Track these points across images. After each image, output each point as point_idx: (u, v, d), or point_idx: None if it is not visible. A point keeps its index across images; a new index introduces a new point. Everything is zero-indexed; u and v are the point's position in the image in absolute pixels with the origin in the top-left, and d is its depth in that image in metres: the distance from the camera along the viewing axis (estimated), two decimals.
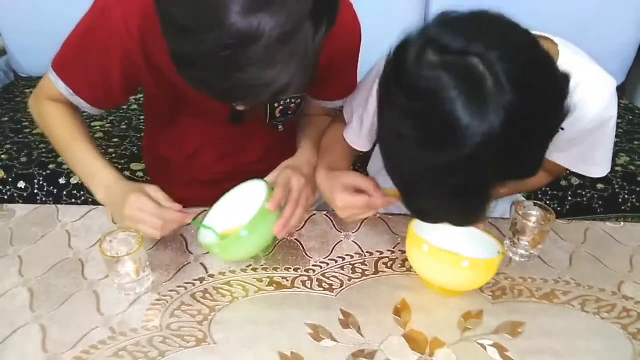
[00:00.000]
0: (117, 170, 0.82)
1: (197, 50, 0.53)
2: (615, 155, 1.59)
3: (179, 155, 0.91)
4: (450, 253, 0.68)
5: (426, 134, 0.51)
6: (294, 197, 0.76)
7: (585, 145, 0.80)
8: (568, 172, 1.48)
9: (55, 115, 0.86)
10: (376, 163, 1.18)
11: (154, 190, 0.76)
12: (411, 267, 0.79)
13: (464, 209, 0.58)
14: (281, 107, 0.89)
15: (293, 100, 0.89)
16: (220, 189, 0.82)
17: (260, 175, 1.04)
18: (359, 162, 1.58)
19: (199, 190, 1.05)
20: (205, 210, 0.84)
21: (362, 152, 0.92)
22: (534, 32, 0.54)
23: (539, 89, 0.50)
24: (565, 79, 0.53)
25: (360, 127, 0.88)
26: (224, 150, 0.99)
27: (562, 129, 0.74)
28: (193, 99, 0.84)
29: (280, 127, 0.97)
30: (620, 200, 1.49)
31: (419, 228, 0.74)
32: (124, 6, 0.73)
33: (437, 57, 0.50)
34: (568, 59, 0.70)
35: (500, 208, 1.05)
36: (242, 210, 0.79)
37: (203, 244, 0.76)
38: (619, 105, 0.78)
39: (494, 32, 0.51)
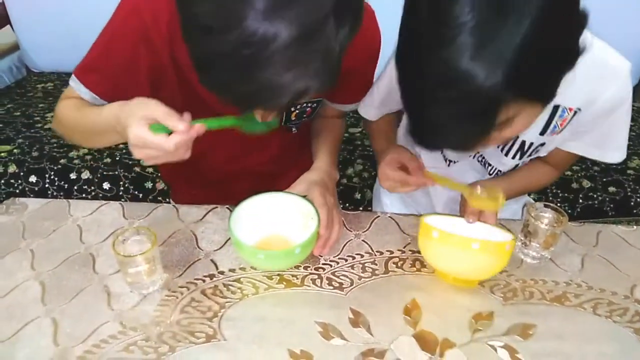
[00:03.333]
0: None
1: (218, 50, 0.53)
2: (627, 158, 1.57)
3: (191, 154, 0.91)
4: (460, 236, 0.69)
5: (446, 30, 0.50)
6: (333, 237, 0.79)
7: (599, 131, 0.80)
8: (578, 175, 1.49)
9: (67, 104, 0.84)
10: None
11: (153, 108, 0.65)
12: (421, 267, 0.79)
13: (472, 124, 0.55)
14: (297, 111, 0.89)
15: (309, 104, 0.89)
16: (230, 189, 0.83)
17: (271, 176, 1.04)
18: (369, 162, 1.58)
19: (208, 189, 1.05)
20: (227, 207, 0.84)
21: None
22: None
23: (565, 2, 0.50)
24: (583, 13, 0.52)
25: (372, 100, 0.93)
26: (235, 151, 0.99)
27: (579, 109, 0.74)
28: (210, 105, 0.84)
29: (293, 129, 0.97)
30: (632, 203, 1.48)
31: (430, 221, 0.75)
32: (153, 6, 0.73)
33: None
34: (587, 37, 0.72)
35: (511, 209, 1.05)
36: (273, 219, 0.81)
37: (241, 243, 0.72)
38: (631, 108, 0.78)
39: None
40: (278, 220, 0.81)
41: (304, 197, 0.81)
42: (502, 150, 0.86)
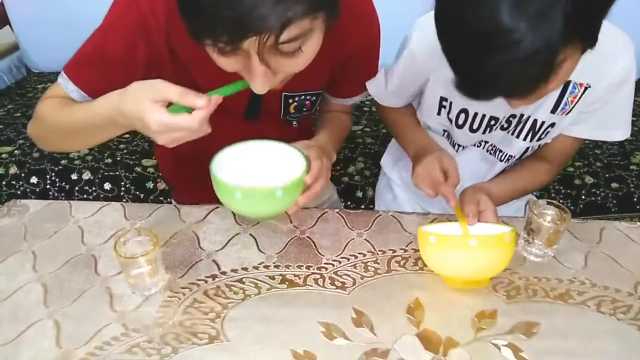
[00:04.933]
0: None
1: None
2: (630, 153, 1.57)
3: (191, 152, 0.91)
4: (456, 236, 0.69)
5: None
6: (324, 174, 0.75)
7: (604, 111, 0.81)
8: (581, 171, 1.49)
9: (49, 103, 0.79)
10: (389, 159, 1.18)
11: (165, 90, 0.62)
12: (424, 266, 0.78)
13: (530, 70, 0.54)
14: (296, 104, 0.89)
15: (308, 97, 0.89)
16: None
17: None
18: (370, 160, 1.57)
19: (210, 187, 1.05)
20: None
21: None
22: None
23: None
24: None
25: (386, 85, 0.92)
26: None
27: (589, 85, 0.77)
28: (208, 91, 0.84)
29: (294, 123, 0.96)
30: (635, 199, 1.47)
31: (428, 229, 0.74)
32: None
33: None
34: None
35: (514, 206, 1.04)
36: (264, 165, 0.77)
37: (221, 181, 0.68)
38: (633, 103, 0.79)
39: None
40: (265, 169, 0.76)
41: (305, 155, 0.76)
42: (512, 134, 0.87)
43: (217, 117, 0.93)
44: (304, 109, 0.91)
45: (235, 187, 0.68)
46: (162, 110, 0.61)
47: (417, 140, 0.94)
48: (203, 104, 0.62)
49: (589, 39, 0.56)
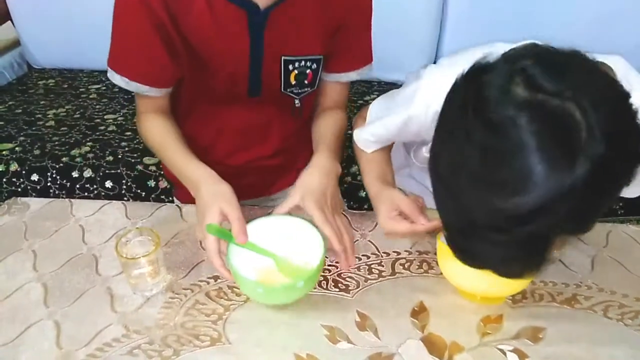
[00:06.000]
0: (205, 168, 0.80)
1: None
2: None
3: (193, 149, 0.91)
4: None
5: (501, 175, 0.47)
6: (349, 245, 0.74)
7: None
8: None
9: (148, 128, 0.89)
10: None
11: (231, 211, 0.71)
12: (428, 269, 0.78)
13: (517, 259, 0.53)
14: (296, 71, 0.88)
15: (308, 64, 0.88)
16: (234, 184, 0.81)
17: (274, 170, 1.03)
18: None
19: None
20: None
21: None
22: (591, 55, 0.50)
23: (626, 144, 0.47)
24: None
25: (372, 134, 0.86)
26: (236, 145, 0.98)
27: None
28: (214, 71, 0.84)
29: (296, 101, 0.94)
30: None
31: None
32: None
33: (526, 93, 0.45)
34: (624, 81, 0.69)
35: None
36: (278, 245, 0.74)
37: (243, 277, 0.66)
38: None
39: (585, 76, 0.47)
40: (281, 248, 0.74)
41: (305, 218, 0.74)
42: None
43: (222, 101, 0.92)
44: (305, 81, 0.90)
45: (257, 283, 0.70)
46: (218, 218, 0.70)
47: (374, 187, 0.85)
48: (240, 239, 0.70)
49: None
